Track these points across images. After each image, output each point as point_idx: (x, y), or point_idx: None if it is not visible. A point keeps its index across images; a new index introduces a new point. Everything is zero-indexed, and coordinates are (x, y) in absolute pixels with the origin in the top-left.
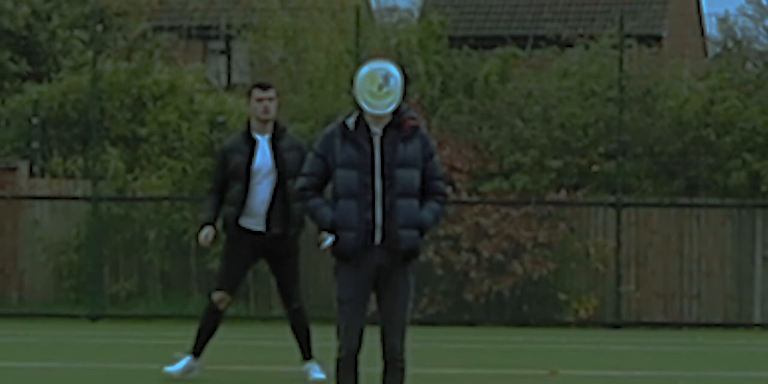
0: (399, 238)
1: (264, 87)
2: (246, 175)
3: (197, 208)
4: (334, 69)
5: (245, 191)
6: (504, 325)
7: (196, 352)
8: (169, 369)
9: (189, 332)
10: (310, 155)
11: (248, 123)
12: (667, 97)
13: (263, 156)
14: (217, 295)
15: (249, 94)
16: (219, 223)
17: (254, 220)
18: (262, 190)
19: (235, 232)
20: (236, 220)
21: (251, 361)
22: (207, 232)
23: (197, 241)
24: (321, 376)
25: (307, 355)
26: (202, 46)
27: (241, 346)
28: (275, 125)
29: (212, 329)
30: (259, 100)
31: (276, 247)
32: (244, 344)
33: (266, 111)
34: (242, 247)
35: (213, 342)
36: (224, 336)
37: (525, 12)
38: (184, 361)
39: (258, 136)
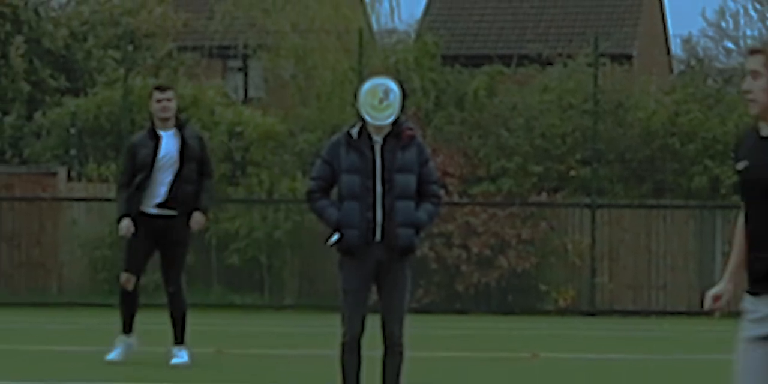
0: (397, 236)
1: (162, 89)
2: (151, 166)
3: (216, 208)
4: (340, 84)
5: (149, 181)
6: (491, 313)
7: (126, 330)
8: (111, 357)
9: (209, 319)
10: (318, 161)
11: (152, 121)
12: (636, 109)
13: (167, 148)
14: (122, 277)
15: (150, 95)
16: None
17: (151, 204)
18: (164, 179)
19: (138, 217)
20: (139, 207)
21: (263, 346)
22: (126, 224)
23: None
24: (181, 360)
25: (178, 339)
26: (221, 64)
27: (254, 333)
28: (177, 120)
29: (130, 307)
30: (158, 100)
31: (169, 233)
32: (257, 330)
33: (164, 110)
34: (143, 232)
35: (230, 328)
36: (241, 323)
37: (510, 33)
38: (119, 346)
39: (161, 132)
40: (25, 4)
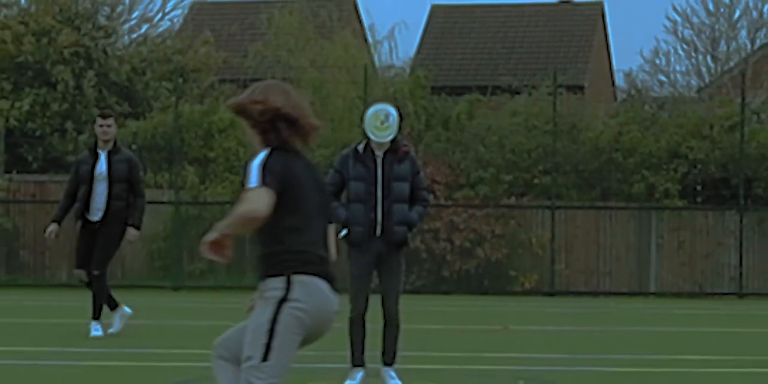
0: (394, 232)
1: (104, 116)
2: (90, 179)
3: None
4: (348, 110)
5: (89, 192)
6: (470, 294)
7: (113, 306)
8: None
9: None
10: (330, 171)
11: (95, 142)
12: (587, 130)
13: (101, 166)
14: (75, 272)
15: (94, 121)
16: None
17: (92, 213)
18: (99, 189)
19: (81, 221)
20: (82, 213)
21: None
22: (52, 229)
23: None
24: (98, 333)
25: (95, 314)
26: None
27: None
28: (116, 144)
29: (103, 292)
30: (101, 125)
31: (100, 229)
32: None
33: (105, 133)
34: (85, 233)
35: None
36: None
37: (485, 69)
38: (119, 319)
39: (101, 152)
40: (96, 45)
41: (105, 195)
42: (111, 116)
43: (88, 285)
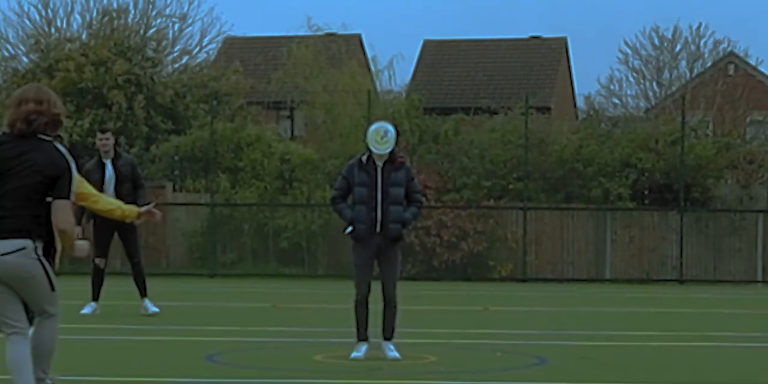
0: (391, 229)
1: (103, 131)
2: (101, 184)
3: (272, 210)
4: (354, 127)
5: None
6: (456, 280)
7: (95, 298)
8: (84, 311)
9: (267, 284)
10: (339, 178)
11: (99, 153)
12: (553, 144)
13: (109, 173)
14: (96, 260)
15: (95, 135)
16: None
17: None
18: (109, 192)
19: (95, 218)
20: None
21: (303, 302)
22: (78, 230)
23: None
24: (155, 309)
25: (143, 293)
26: (275, 114)
27: (297, 293)
28: (115, 152)
29: (99, 281)
30: (100, 139)
31: (120, 225)
32: (300, 292)
33: (104, 146)
34: (102, 227)
35: (281, 290)
36: (288, 286)
37: (469, 93)
38: (91, 306)
39: (106, 161)
40: (144, 73)
41: (114, 195)
42: (108, 131)
43: (101, 271)
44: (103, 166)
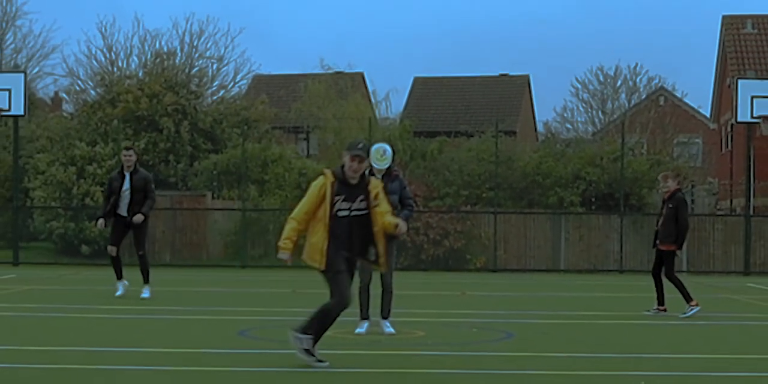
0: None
1: (127, 148)
2: (119, 191)
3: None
4: None
5: (118, 198)
6: (440, 270)
7: (118, 277)
8: (117, 293)
9: (286, 274)
10: None
11: (121, 166)
12: (518, 160)
13: (127, 184)
14: (109, 248)
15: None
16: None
17: (122, 210)
18: (125, 198)
19: (114, 216)
20: (115, 211)
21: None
22: (101, 221)
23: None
24: (147, 295)
25: (145, 281)
26: (294, 136)
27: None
28: (136, 167)
29: (118, 266)
30: (125, 155)
31: (131, 222)
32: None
33: (127, 161)
34: (117, 223)
35: (298, 279)
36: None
37: (450, 119)
38: (120, 288)
39: (126, 173)
40: (189, 103)
41: (128, 202)
42: (132, 149)
43: (114, 258)
44: (123, 177)
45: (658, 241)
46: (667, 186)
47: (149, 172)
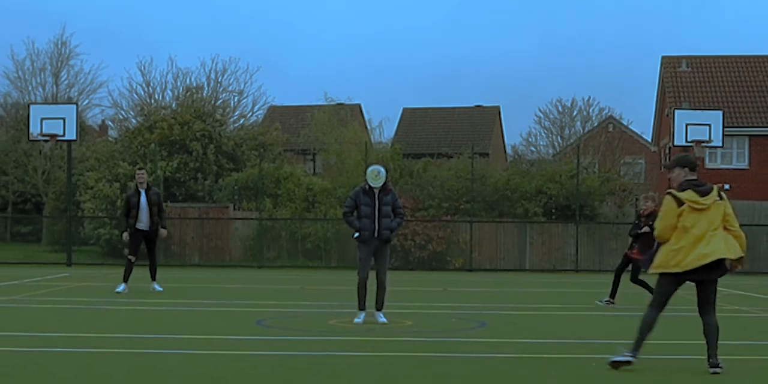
0: (383, 234)
1: (140, 168)
2: (137, 206)
3: (301, 223)
4: (356, 167)
5: (137, 213)
6: (425, 270)
7: (125, 279)
8: (117, 290)
9: (296, 273)
10: (348, 199)
11: (136, 184)
12: (490, 178)
13: (143, 199)
14: (130, 257)
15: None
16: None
17: (142, 224)
18: (144, 212)
19: (134, 230)
20: (134, 225)
21: (323, 284)
22: (125, 235)
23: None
24: (160, 288)
25: (153, 278)
26: (303, 158)
27: (318, 278)
28: (148, 184)
29: (130, 270)
30: (138, 174)
31: (149, 236)
32: (319, 278)
33: (140, 179)
34: (137, 236)
35: (306, 277)
36: (311, 274)
37: (433, 143)
38: (122, 286)
39: (141, 190)
40: (214, 130)
41: (147, 214)
42: (143, 169)
43: (129, 264)
44: (139, 193)
45: (634, 250)
46: (647, 205)
47: (159, 190)
